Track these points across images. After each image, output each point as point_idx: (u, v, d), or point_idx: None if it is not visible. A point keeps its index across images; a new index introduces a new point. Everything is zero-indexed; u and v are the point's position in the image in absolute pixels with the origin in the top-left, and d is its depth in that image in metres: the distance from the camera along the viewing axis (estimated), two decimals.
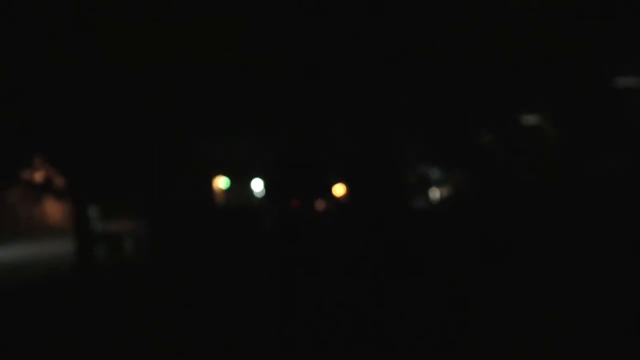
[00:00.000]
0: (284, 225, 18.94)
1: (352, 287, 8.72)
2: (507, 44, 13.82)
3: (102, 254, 13.81)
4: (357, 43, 14.41)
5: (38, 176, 12.22)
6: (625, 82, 11.23)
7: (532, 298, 7.13)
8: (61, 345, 6.46)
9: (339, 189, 24.56)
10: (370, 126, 17.66)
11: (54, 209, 29.15)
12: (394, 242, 13.52)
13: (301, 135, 20.98)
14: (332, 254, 13.20)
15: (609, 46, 11.84)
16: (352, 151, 19.94)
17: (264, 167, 25.11)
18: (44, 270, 13.74)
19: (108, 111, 11.01)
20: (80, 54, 10.34)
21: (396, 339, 5.83)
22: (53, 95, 10.63)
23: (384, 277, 9.31)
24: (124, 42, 10.56)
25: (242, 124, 19.00)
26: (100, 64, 10.49)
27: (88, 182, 11.99)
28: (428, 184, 22.66)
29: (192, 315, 7.51)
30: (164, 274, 11.83)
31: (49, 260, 15.74)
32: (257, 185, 30.65)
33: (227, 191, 30.57)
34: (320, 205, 22.14)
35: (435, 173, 22.43)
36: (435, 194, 22.73)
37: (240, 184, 30.78)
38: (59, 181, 11.99)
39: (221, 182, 29.89)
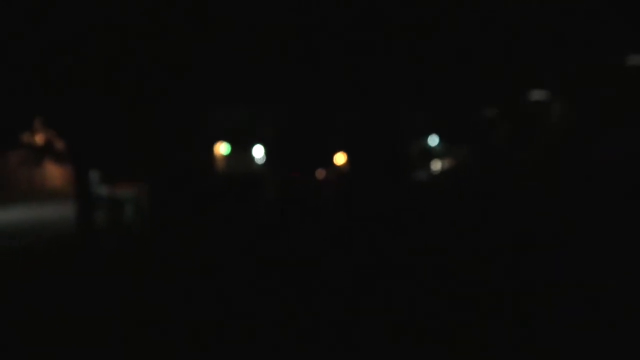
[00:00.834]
0: (285, 193, 18.89)
1: (348, 255, 8.73)
2: (517, 16, 13.55)
3: (103, 218, 13.78)
4: (361, 15, 14.20)
5: (38, 139, 12.10)
6: (637, 60, 10.98)
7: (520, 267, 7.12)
8: (57, 306, 6.41)
9: (339, 158, 24.49)
10: (373, 97, 17.49)
11: (54, 173, 29.11)
12: (391, 211, 13.54)
13: (303, 105, 20.81)
14: (331, 222, 13.26)
15: (621, 22, 11.56)
16: (353, 121, 19.82)
17: (265, 134, 24.99)
18: (44, 233, 13.73)
19: (110, 73, 10.84)
20: (82, 18, 10.14)
21: (394, 301, 5.82)
22: (53, 54, 10.44)
23: (379, 247, 9.33)
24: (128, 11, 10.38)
25: (244, 92, 18.86)
26: (104, 30, 10.31)
27: (89, 146, 11.87)
28: (430, 155, 22.60)
29: (188, 282, 7.48)
30: (162, 239, 11.83)
31: (49, 224, 15.73)
32: (258, 152, 30.56)
33: (228, 157, 30.49)
34: (320, 174, 22.09)
35: (437, 145, 22.36)
36: (436, 165, 22.68)
37: (241, 150, 30.68)
38: (59, 144, 11.88)
39: (222, 148, 29.78)
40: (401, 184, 17.64)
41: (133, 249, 10.84)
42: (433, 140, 23.38)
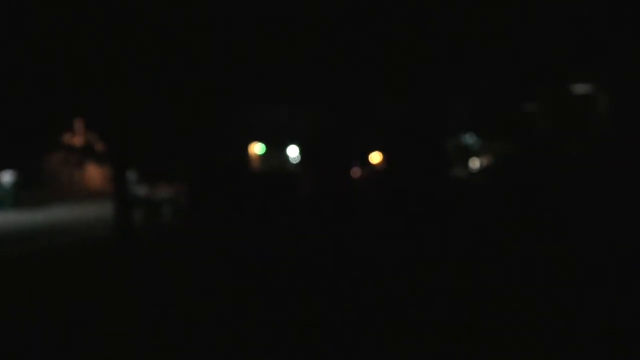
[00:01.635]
0: (320, 192, 18.74)
1: (382, 255, 8.56)
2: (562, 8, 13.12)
3: (141, 217, 13.87)
4: (400, 14, 13.99)
5: (79, 140, 12.23)
6: None
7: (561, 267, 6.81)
8: (95, 301, 6.46)
9: (375, 157, 24.26)
10: (412, 94, 17.20)
11: (94, 173, 29.61)
12: (430, 207, 13.30)
13: (338, 105, 20.66)
14: (366, 219, 13.10)
15: None
16: (391, 120, 19.57)
17: (301, 134, 24.92)
18: (82, 232, 13.87)
19: (152, 74, 10.90)
20: (122, 26, 10.20)
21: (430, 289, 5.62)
22: (95, 60, 10.53)
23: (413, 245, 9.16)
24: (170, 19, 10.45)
25: (279, 93, 18.84)
26: (144, 36, 10.37)
27: (128, 147, 11.94)
28: (468, 153, 22.19)
29: (223, 279, 7.43)
30: (198, 237, 11.82)
31: (87, 223, 15.92)
32: (293, 152, 30.61)
33: (263, 157, 30.62)
34: (356, 172, 21.89)
35: (476, 142, 21.93)
36: (475, 163, 22.23)
37: (276, 150, 30.80)
38: (99, 146, 11.98)
39: (257, 148, 29.91)
40: (439, 182, 17.28)
41: (168, 246, 10.84)
42: (471, 138, 22.94)
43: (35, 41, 10.12)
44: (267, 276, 7.56)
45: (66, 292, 7.39)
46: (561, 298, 5.92)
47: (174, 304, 6.45)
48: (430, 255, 8.43)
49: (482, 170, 20.99)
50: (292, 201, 16.97)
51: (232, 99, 15.30)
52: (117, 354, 4.93)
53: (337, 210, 15.50)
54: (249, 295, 6.64)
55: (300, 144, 26.82)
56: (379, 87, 17.35)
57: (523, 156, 16.76)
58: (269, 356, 4.68)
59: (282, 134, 28.97)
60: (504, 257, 7.97)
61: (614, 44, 13.01)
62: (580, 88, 15.15)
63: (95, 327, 5.66)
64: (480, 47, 14.59)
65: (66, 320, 5.97)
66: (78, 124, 12.15)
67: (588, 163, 14.26)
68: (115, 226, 11.85)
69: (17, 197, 23.71)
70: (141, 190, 16.42)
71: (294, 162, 29.50)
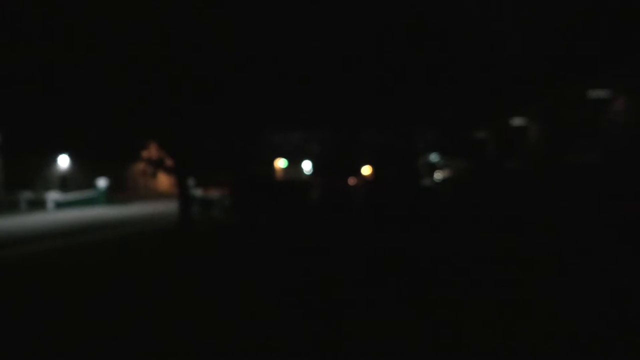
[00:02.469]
0: (326, 194, 18.70)
1: (377, 235, 8.62)
2: (501, 64, 13.10)
3: (198, 213, 13.85)
4: (379, 61, 14.01)
5: (154, 155, 12.25)
6: (597, 94, 10.41)
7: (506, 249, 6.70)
8: (162, 277, 6.51)
9: (365, 170, 24.21)
10: (392, 124, 17.17)
11: (163, 179, 29.72)
12: (409, 206, 13.28)
13: (339, 130, 20.64)
14: (361, 214, 13.11)
15: (583, 63, 11.00)
16: (377, 142, 19.55)
17: (313, 152, 24.92)
18: (156, 223, 13.89)
19: (203, 115, 11.01)
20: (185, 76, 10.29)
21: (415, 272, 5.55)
22: (164, 102, 10.63)
23: (401, 228, 9.21)
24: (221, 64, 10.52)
25: (297, 122, 18.86)
26: (201, 85, 10.47)
27: (188, 161, 11.97)
28: (433, 168, 22.17)
29: (260, 256, 7.51)
30: (241, 228, 11.84)
31: (160, 216, 15.94)
32: (307, 166, 30.55)
33: (285, 169, 30.59)
34: (352, 181, 21.83)
35: (439, 160, 21.90)
36: (438, 175, 22.19)
37: (294, 164, 30.77)
38: (168, 161, 11.98)
39: (281, 163, 29.88)
40: (412, 189, 17.20)
41: (218, 235, 10.84)
42: (435, 156, 22.92)
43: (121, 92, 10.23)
44: (291, 250, 7.74)
45: (149, 264, 7.50)
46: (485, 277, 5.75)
47: (225, 273, 6.47)
48: (405, 235, 8.55)
49: (444, 180, 20.87)
50: (307, 201, 16.95)
51: (263, 127, 15.33)
52: (182, 306, 4.91)
53: (338, 206, 15.56)
54: (279, 265, 6.64)
55: (312, 160, 26.81)
56: (369, 120, 17.37)
57: (475, 170, 16.71)
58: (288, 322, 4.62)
59: (299, 153, 28.97)
60: (458, 235, 8.00)
61: (540, 90, 13.01)
62: (517, 121, 15.08)
63: (167, 290, 5.62)
64: (445, 91, 14.59)
65: (150, 283, 5.97)
66: (153, 145, 12.19)
67: (521, 174, 14.25)
68: (179, 218, 11.85)
69: (108, 196, 23.76)
70: (198, 192, 16.42)
71: (308, 173, 29.50)
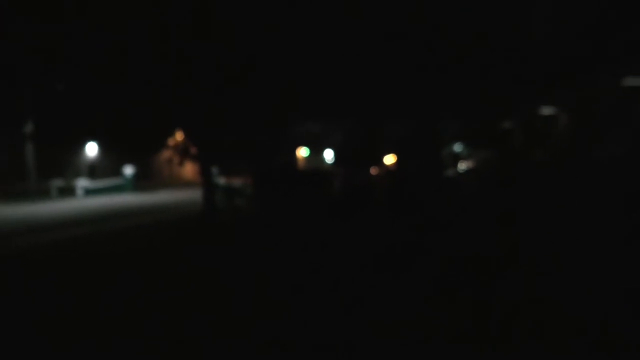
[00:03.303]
0: (348, 184, 18.60)
1: (397, 227, 8.59)
2: (533, 50, 12.68)
3: (221, 200, 14.02)
4: (408, 55, 13.80)
5: (180, 144, 12.42)
6: (631, 82, 9.98)
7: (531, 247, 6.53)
8: (187, 258, 6.73)
9: (388, 159, 24.00)
10: (416, 114, 16.90)
11: (188, 167, 30.18)
12: (432, 198, 13.12)
13: (362, 119, 20.47)
14: (382, 205, 13.02)
15: (618, 49, 10.55)
16: (400, 132, 19.32)
17: (334, 141, 24.83)
18: (181, 210, 14.12)
19: (226, 104, 11.07)
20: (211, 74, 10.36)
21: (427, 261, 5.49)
22: (191, 94, 10.76)
23: (422, 220, 9.16)
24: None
25: (319, 112, 18.77)
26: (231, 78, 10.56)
27: (212, 150, 12.08)
28: (457, 158, 21.83)
29: (281, 241, 7.64)
30: (261, 218, 11.94)
31: (185, 203, 16.21)
32: (328, 155, 30.51)
33: (307, 158, 30.63)
34: (374, 170, 21.69)
35: (463, 150, 21.55)
36: (462, 166, 21.84)
37: (316, 153, 30.77)
38: (193, 149, 12.13)
39: (303, 152, 29.92)
40: (435, 178, 16.96)
41: (241, 221, 10.96)
42: (459, 147, 22.57)
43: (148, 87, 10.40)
44: (311, 234, 7.89)
45: (174, 246, 7.67)
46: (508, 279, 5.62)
47: (246, 255, 6.63)
48: (427, 225, 8.52)
49: (467, 171, 20.52)
50: (328, 190, 16.90)
51: (285, 117, 15.33)
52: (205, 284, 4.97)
53: (359, 196, 15.47)
54: (295, 247, 6.76)
55: (334, 149, 26.72)
56: (393, 109, 17.15)
57: (500, 160, 16.35)
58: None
59: (320, 142, 28.92)
60: (480, 225, 7.89)
61: (570, 77, 12.55)
62: (546, 110, 14.61)
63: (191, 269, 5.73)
64: (471, 80, 14.24)
65: (175, 262, 6.09)
66: (179, 134, 12.36)
67: (549, 165, 13.85)
68: (203, 205, 12.01)
69: (135, 184, 24.27)
70: (221, 181, 16.60)
71: (329, 162, 29.47)
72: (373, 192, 17.11)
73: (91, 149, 27.95)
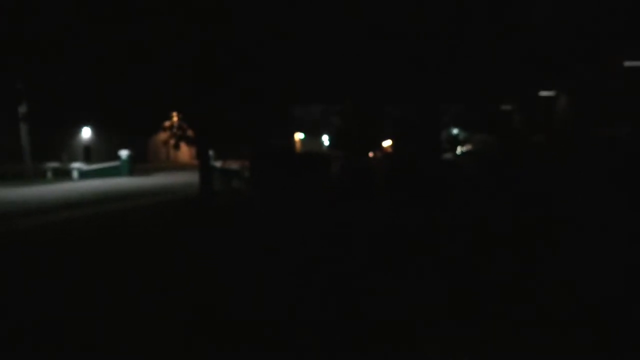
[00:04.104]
0: (346, 168, 18.50)
1: (393, 207, 8.55)
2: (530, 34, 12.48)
3: (218, 183, 13.91)
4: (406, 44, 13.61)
5: (176, 127, 12.25)
6: (630, 63, 9.85)
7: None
8: (182, 242, 6.66)
9: (386, 143, 23.89)
10: (415, 98, 16.72)
11: (184, 150, 29.97)
12: (430, 179, 13.09)
13: (360, 105, 20.28)
14: (379, 187, 12.98)
15: (616, 32, 10.37)
16: (399, 116, 19.17)
17: (332, 126, 24.68)
18: (176, 193, 14.02)
19: (224, 88, 10.90)
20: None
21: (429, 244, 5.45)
22: (188, 79, 10.58)
23: (420, 201, 9.11)
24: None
25: (316, 94, 18.55)
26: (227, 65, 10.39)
27: (209, 133, 11.93)
28: (456, 141, 21.75)
29: (278, 225, 7.60)
30: (258, 197, 11.88)
31: (181, 186, 16.10)
32: (325, 139, 30.39)
33: (303, 142, 30.50)
34: (372, 154, 21.60)
35: (462, 133, 21.47)
36: (460, 149, 21.77)
37: (313, 137, 30.62)
38: (190, 132, 11.98)
39: (300, 135, 29.77)
40: (433, 162, 16.89)
41: (239, 205, 10.88)
42: (458, 130, 22.43)
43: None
44: (306, 216, 7.85)
45: (172, 228, 7.62)
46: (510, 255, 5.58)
47: (243, 234, 6.62)
48: (426, 204, 8.52)
49: (464, 154, 20.47)
50: (326, 174, 16.80)
51: (282, 101, 15.13)
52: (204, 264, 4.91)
53: (357, 179, 15.39)
54: (292, 229, 6.70)
55: (331, 133, 26.55)
56: (391, 93, 16.95)
57: (499, 143, 16.25)
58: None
59: (319, 125, 28.74)
60: (475, 203, 7.88)
61: (571, 60, 12.38)
62: (546, 92, 14.46)
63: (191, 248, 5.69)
64: (470, 63, 14.04)
65: (175, 243, 6.04)
66: (175, 116, 12.20)
67: (548, 147, 13.77)
68: (200, 188, 11.92)
69: (131, 167, 24.09)
70: (218, 164, 16.44)
71: (327, 146, 29.33)
72: (373, 176, 17.02)
73: (86, 132, 27.70)
